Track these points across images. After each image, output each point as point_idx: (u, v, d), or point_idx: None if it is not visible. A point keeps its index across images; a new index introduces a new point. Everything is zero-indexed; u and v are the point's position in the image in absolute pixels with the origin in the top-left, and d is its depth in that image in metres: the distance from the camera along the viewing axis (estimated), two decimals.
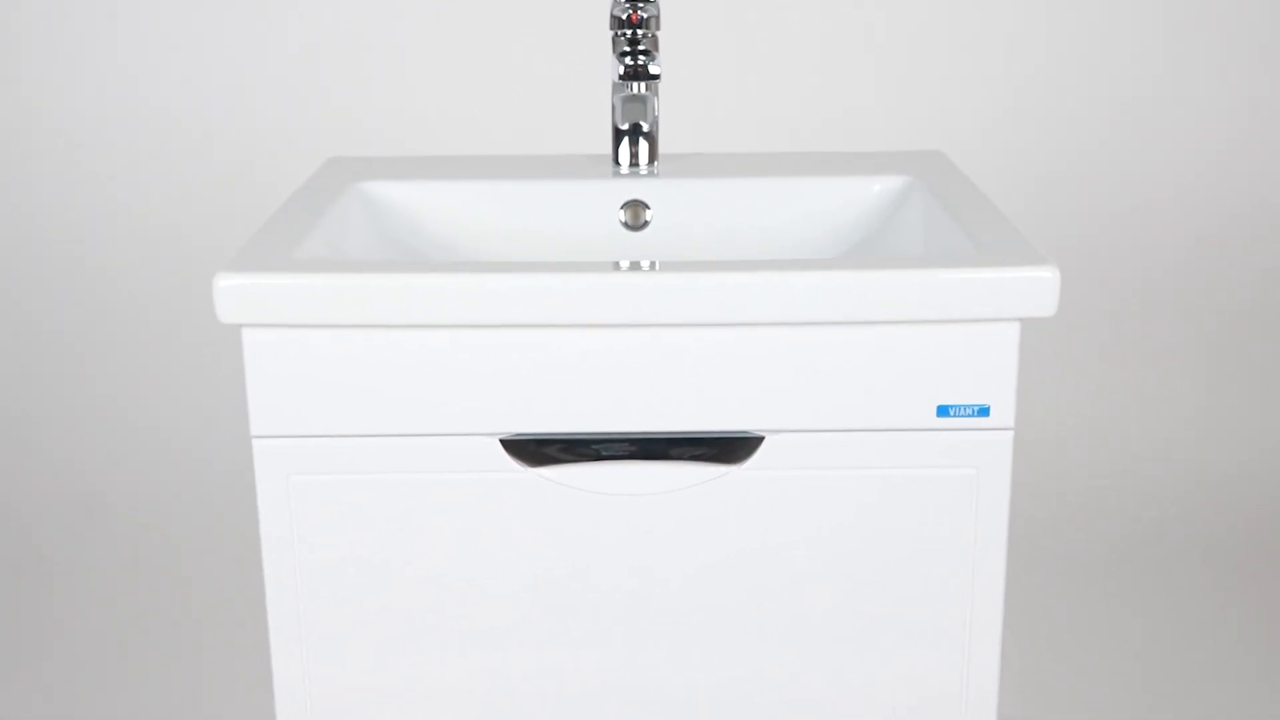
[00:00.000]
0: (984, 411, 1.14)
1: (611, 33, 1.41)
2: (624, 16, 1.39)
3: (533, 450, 1.15)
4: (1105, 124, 2.62)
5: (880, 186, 1.43)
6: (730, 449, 1.15)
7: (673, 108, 2.31)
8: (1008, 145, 2.58)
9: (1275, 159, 2.63)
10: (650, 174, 1.45)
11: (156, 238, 2.54)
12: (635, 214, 1.43)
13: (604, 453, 1.15)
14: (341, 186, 1.40)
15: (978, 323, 1.12)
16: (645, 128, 1.45)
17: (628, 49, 1.40)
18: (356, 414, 1.13)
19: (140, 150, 2.53)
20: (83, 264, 2.55)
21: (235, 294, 1.10)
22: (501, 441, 1.15)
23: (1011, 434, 1.15)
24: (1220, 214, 2.66)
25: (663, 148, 2.12)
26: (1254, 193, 2.65)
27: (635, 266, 1.12)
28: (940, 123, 2.55)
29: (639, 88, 1.43)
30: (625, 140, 1.45)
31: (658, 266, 1.12)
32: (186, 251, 2.53)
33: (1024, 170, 2.59)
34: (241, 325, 1.11)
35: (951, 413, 1.14)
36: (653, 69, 1.40)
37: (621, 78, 1.41)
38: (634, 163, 1.46)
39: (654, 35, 1.40)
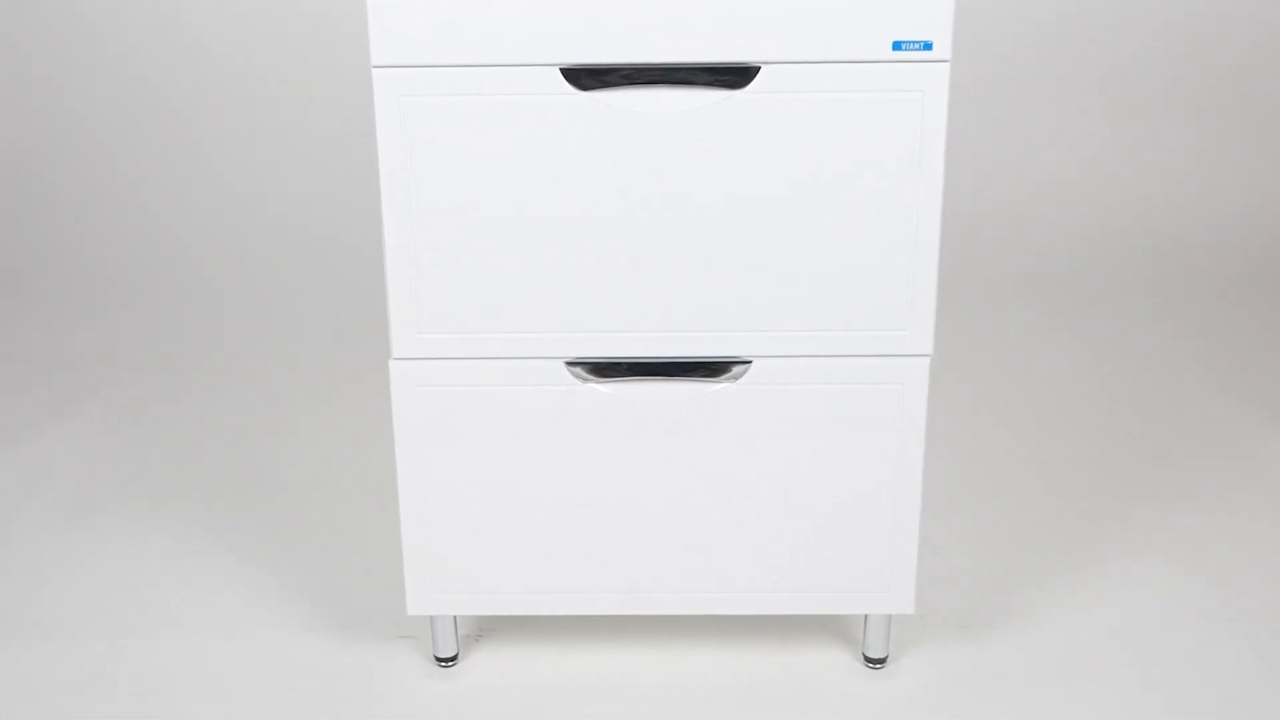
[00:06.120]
0: (928, 46, 1.50)
1: None
2: None
3: (582, 78, 1.51)
4: None
5: None
6: (736, 76, 1.51)
7: None
8: None
9: None
10: None
11: None
12: None
13: (639, 79, 1.51)
14: None
15: None
16: None
17: None
18: (451, 48, 1.49)
19: None
20: None
21: None
22: (561, 70, 1.51)
23: (948, 65, 1.51)
24: None
25: None
26: None
27: None
28: None
29: None
30: None
31: None
32: None
33: None
34: None
35: (904, 47, 1.50)
36: None
37: None
38: None
39: None
